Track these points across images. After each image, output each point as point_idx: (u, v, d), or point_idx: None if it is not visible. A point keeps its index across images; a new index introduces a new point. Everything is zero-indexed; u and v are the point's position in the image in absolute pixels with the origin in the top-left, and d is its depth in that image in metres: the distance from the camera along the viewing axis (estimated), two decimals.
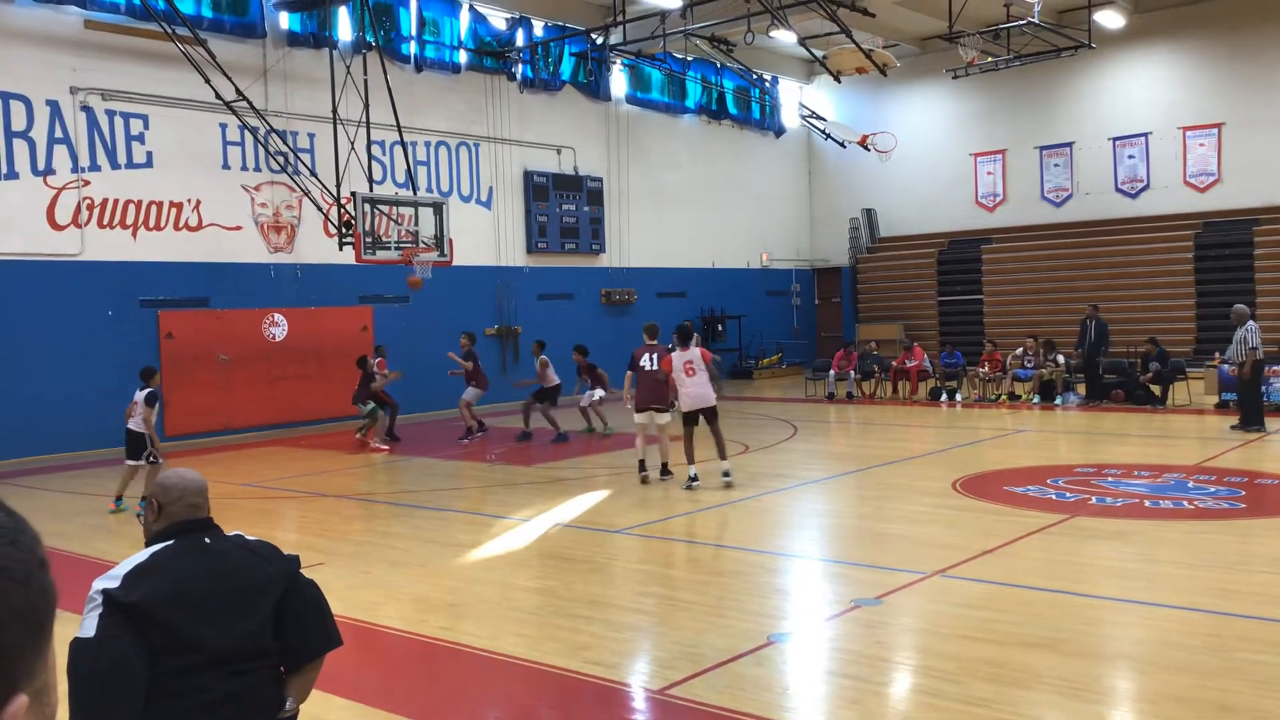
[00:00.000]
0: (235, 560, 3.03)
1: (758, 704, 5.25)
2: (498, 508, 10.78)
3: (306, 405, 18.28)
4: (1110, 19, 23.19)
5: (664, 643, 6.35)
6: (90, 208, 16.07)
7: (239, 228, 17.73)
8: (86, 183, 16.02)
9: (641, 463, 11.90)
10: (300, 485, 12.67)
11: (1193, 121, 23.87)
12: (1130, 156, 24.84)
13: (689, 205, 26.03)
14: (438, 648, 6.33)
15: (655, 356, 11.76)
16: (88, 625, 2.75)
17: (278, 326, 17.99)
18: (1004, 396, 19.65)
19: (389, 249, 16.35)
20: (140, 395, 11.29)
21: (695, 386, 11.46)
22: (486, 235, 21.64)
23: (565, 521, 10.02)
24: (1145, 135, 24.50)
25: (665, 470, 11.93)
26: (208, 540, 3.04)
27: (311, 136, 18.19)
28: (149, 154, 16.70)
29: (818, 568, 8.48)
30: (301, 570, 3.16)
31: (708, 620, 6.67)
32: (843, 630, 6.57)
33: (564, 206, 23.04)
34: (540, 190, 22.56)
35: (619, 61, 23.09)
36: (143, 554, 2.95)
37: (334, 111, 16.27)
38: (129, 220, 16.49)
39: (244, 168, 17.81)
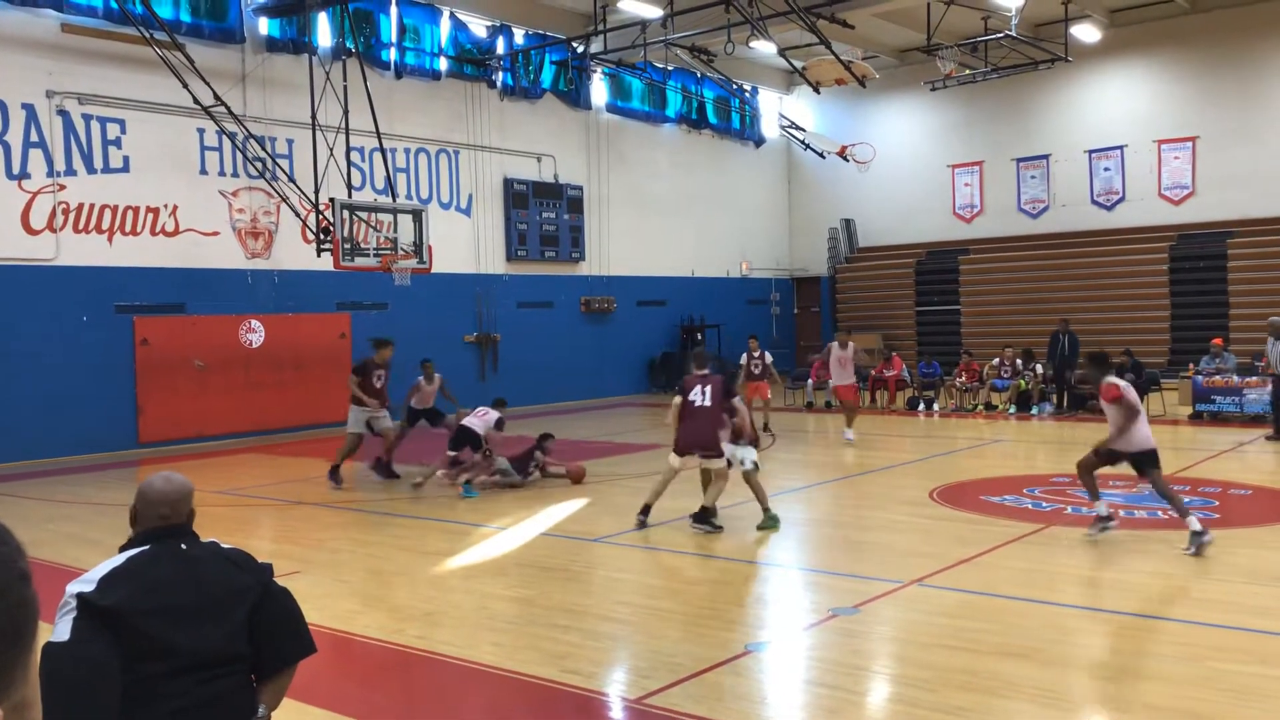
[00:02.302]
0: (210, 567, 3.02)
1: (735, 713, 5.25)
2: (475, 516, 10.74)
3: (283, 412, 18.16)
4: (1086, 33, 23.42)
5: (642, 652, 6.34)
6: (66, 212, 15.94)
7: (216, 233, 17.62)
8: (62, 187, 15.89)
9: (647, 507, 9.90)
10: (276, 493, 12.58)
11: (1168, 135, 24.12)
12: (1106, 169, 25.07)
13: (669, 214, 26.07)
14: (414, 657, 6.30)
15: (708, 389, 9.78)
16: (61, 629, 2.73)
17: (254, 333, 17.88)
18: (981, 407, 19.76)
19: (367, 255, 16.28)
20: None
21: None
22: (466, 243, 21.59)
23: (544, 530, 9.99)
24: (1121, 148, 24.74)
25: (705, 517, 9.60)
26: (184, 546, 3.03)
27: (290, 142, 18.11)
28: (126, 158, 16.58)
29: (796, 576, 8.49)
30: (275, 578, 3.15)
31: (686, 629, 6.66)
32: (820, 639, 6.58)
33: (544, 214, 23.02)
34: (520, 198, 22.54)
35: (599, 70, 23.12)
36: (118, 558, 2.94)
37: (313, 117, 16.20)
38: (105, 225, 16.36)
39: (222, 173, 17.71)
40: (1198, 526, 8.24)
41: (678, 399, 9.89)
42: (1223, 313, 22.44)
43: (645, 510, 9.85)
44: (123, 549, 3.01)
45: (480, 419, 12.30)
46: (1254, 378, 17.05)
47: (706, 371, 10.04)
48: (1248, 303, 22.11)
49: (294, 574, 8.00)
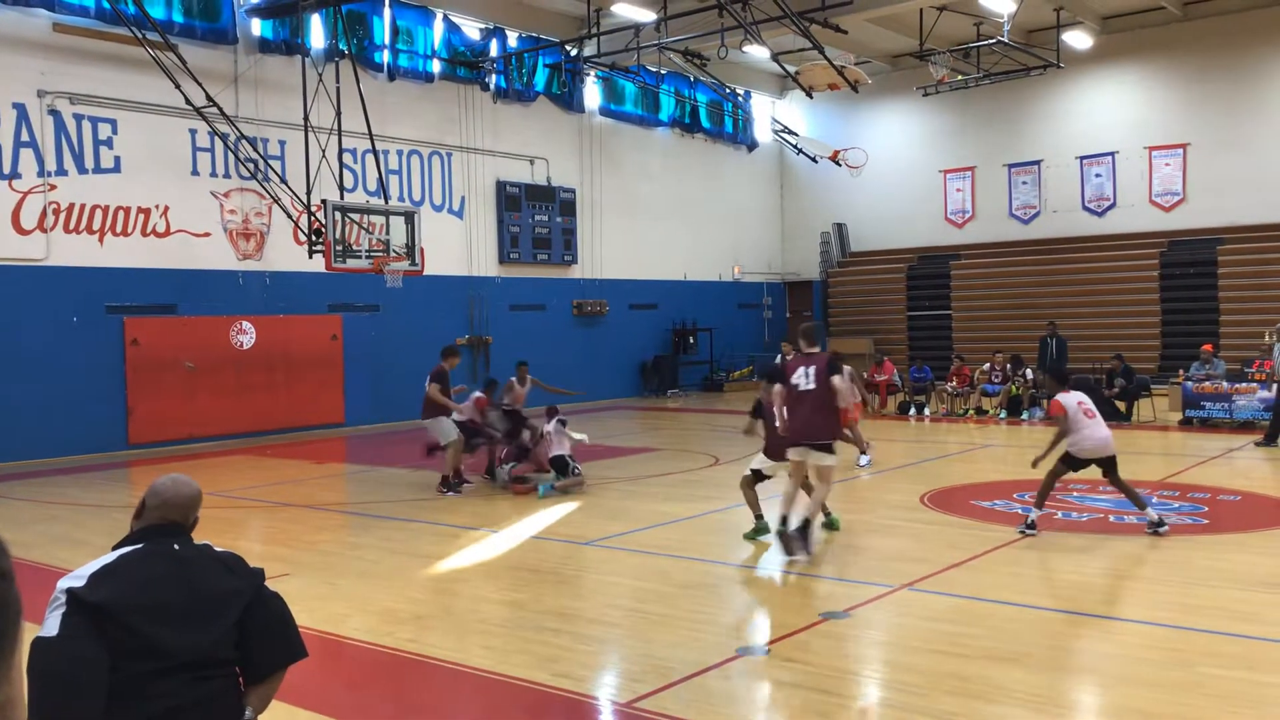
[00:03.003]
0: (201, 569, 3.01)
1: (725, 717, 5.25)
2: (467, 519, 10.72)
3: (274, 414, 18.12)
4: (1078, 39, 23.51)
5: (632, 655, 6.33)
6: (56, 212, 15.89)
7: (208, 234, 17.58)
8: (53, 187, 15.84)
9: (784, 518, 8.74)
10: (267, 495, 12.55)
11: (1159, 141, 24.22)
12: (1097, 175, 25.16)
13: (661, 217, 26.09)
14: (404, 660, 6.28)
15: (813, 370, 8.50)
16: (50, 624, 2.72)
17: (245, 334, 17.84)
18: (971, 411, 19.79)
19: (359, 257, 16.26)
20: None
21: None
22: (458, 245, 21.58)
23: (535, 533, 9.98)
24: (1112, 154, 24.83)
25: (807, 533, 8.40)
26: (176, 546, 3.03)
27: (282, 144, 18.08)
28: (117, 159, 16.54)
29: (786, 580, 8.49)
30: (266, 583, 3.15)
31: (676, 633, 6.66)
32: (811, 643, 6.58)
33: (536, 217, 23.02)
34: (513, 201, 22.53)
35: (593, 73, 23.13)
36: (109, 556, 2.94)
37: (305, 119, 16.18)
38: (96, 225, 16.32)
39: (214, 174, 17.67)
40: (1154, 517, 9.02)
41: (778, 386, 8.52)
42: (1213, 319, 22.53)
43: (784, 521, 8.66)
44: (117, 546, 3.00)
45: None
46: (1244, 384, 17.13)
47: (816, 350, 8.72)
48: (1238, 309, 22.20)
49: (284, 576, 7.98)
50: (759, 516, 9.41)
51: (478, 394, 12.92)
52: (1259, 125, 22.99)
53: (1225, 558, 8.42)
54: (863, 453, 13.41)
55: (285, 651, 3.12)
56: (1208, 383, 17.44)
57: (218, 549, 3.12)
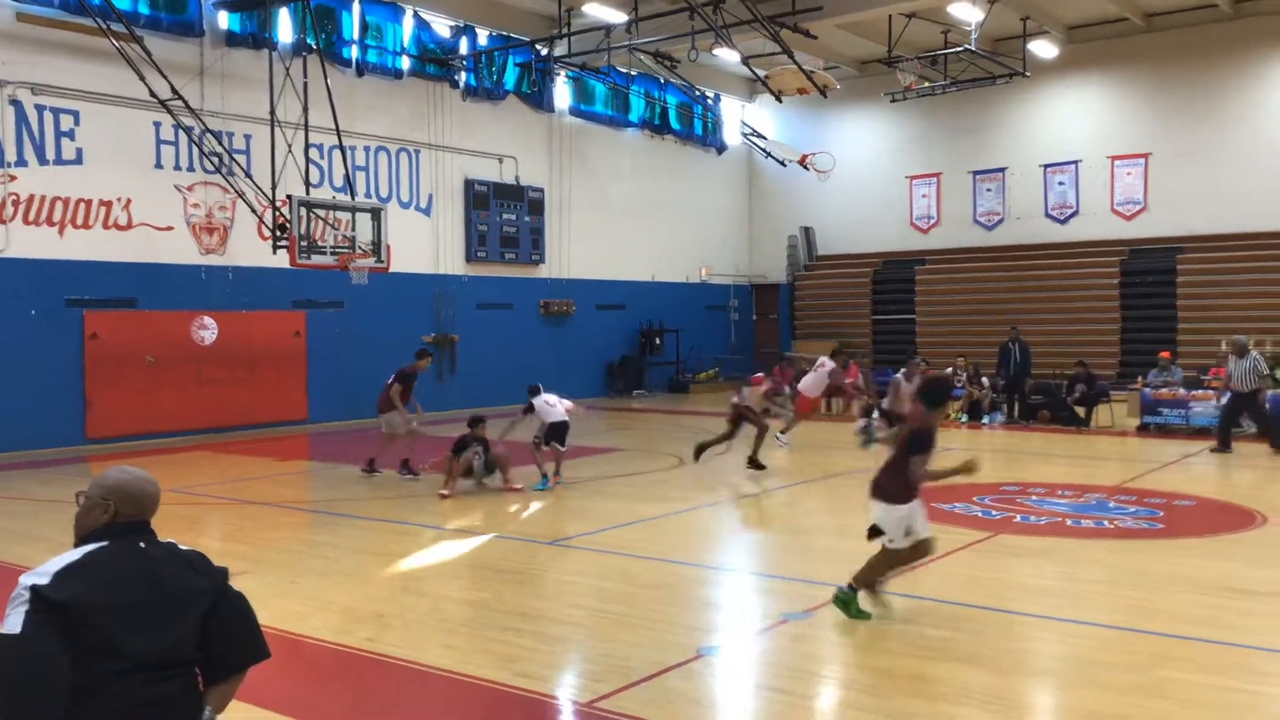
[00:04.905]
0: (167, 567, 2.99)
1: (686, 717, 5.26)
2: (430, 518, 10.67)
3: (235, 410, 17.93)
4: (1044, 49, 23.78)
5: (594, 655, 6.33)
6: (16, 204, 15.64)
7: (170, 228, 17.38)
8: (13, 178, 15.59)
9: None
10: (227, 491, 12.43)
11: (1121, 151, 24.55)
12: (1060, 183, 25.47)
13: (630, 218, 26.11)
14: (364, 659, 6.25)
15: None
16: (12, 621, 2.69)
17: (207, 329, 17.64)
18: None
19: (325, 254, 16.13)
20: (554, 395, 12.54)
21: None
22: (425, 243, 21.48)
23: (499, 533, 9.96)
24: (1075, 163, 25.14)
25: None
26: (142, 545, 3.00)
27: (248, 138, 17.90)
28: (79, 150, 16.31)
29: (748, 581, 8.53)
30: (230, 583, 3.13)
31: (638, 633, 6.67)
32: (771, 643, 6.62)
33: (504, 216, 22.96)
34: (481, 199, 22.46)
35: (563, 73, 23.10)
36: (75, 553, 2.90)
37: (272, 113, 16.04)
38: (56, 217, 16.08)
39: (177, 167, 17.48)
40: None
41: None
42: (1171, 327, 22.87)
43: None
44: (80, 543, 2.97)
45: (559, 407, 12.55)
46: (1200, 391, 17.40)
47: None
48: (1195, 317, 22.55)
49: (243, 574, 7.90)
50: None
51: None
52: (1219, 137, 23.36)
53: (1180, 562, 8.55)
54: (784, 431, 14.40)
55: (248, 652, 3.09)
56: (1165, 389, 17.70)
57: (182, 547, 3.09)
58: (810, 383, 16.29)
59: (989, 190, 26.44)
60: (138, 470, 3.15)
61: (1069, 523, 10.06)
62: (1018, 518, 10.28)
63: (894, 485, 6.81)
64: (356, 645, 6.46)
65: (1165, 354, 19.21)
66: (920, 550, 6.90)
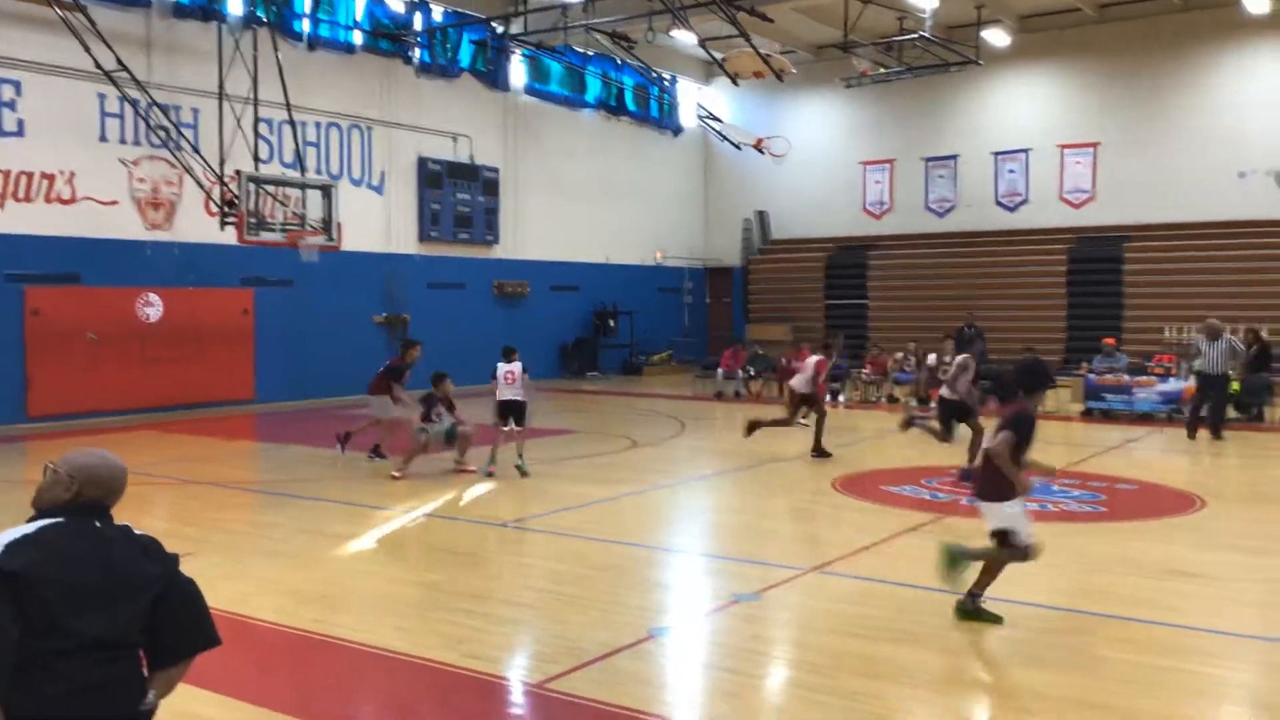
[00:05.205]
0: (121, 550, 2.97)
1: (636, 697, 5.28)
2: (381, 499, 10.59)
3: (181, 389, 17.63)
4: (997, 37, 24.00)
5: (545, 636, 6.33)
6: None
7: (115, 202, 17.02)
8: None
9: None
10: (173, 471, 12.23)
11: (1070, 140, 24.88)
12: (1011, 171, 25.77)
13: (585, 200, 26.01)
14: (312, 641, 6.19)
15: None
16: None
17: (153, 306, 17.32)
18: (884, 399, 20.17)
19: (274, 231, 15.90)
20: (517, 366, 12.17)
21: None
22: (377, 221, 21.24)
23: (450, 514, 9.90)
24: (1026, 151, 25.45)
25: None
26: (98, 525, 2.97)
27: (196, 111, 17.55)
28: (20, 122, 15.90)
29: (699, 563, 8.57)
30: (180, 568, 3.11)
31: (589, 614, 6.67)
32: (721, 624, 6.66)
33: (458, 195, 22.77)
34: (434, 178, 22.24)
35: (519, 52, 22.91)
36: (30, 526, 2.88)
37: (220, 87, 15.75)
38: None
39: (123, 141, 17.10)
40: None
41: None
42: (1117, 314, 23.26)
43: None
44: (37, 516, 2.94)
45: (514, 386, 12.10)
46: (1143, 377, 17.74)
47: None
48: (1141, 304, 22.97)
49: (188, 555, 7.77)
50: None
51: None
52: (1167, 128, 23.75)
53: (1122, 545, 8.72)
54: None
55: (197, 639, 3.08)
56: (1109, 375, 18.02)
57: (136, 531, 3.06)
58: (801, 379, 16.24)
59: (941, 177, 26.68)
60: (111, 457, 3.12)
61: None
62: (965, 500, 10.38)
63: (997, 481, 6.37)
64: (304, 627, 6.40)
65: (1110, 340, 19.54)
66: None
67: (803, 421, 14.02)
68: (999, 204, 25.94)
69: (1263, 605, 7.16)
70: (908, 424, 13.16)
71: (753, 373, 21.78)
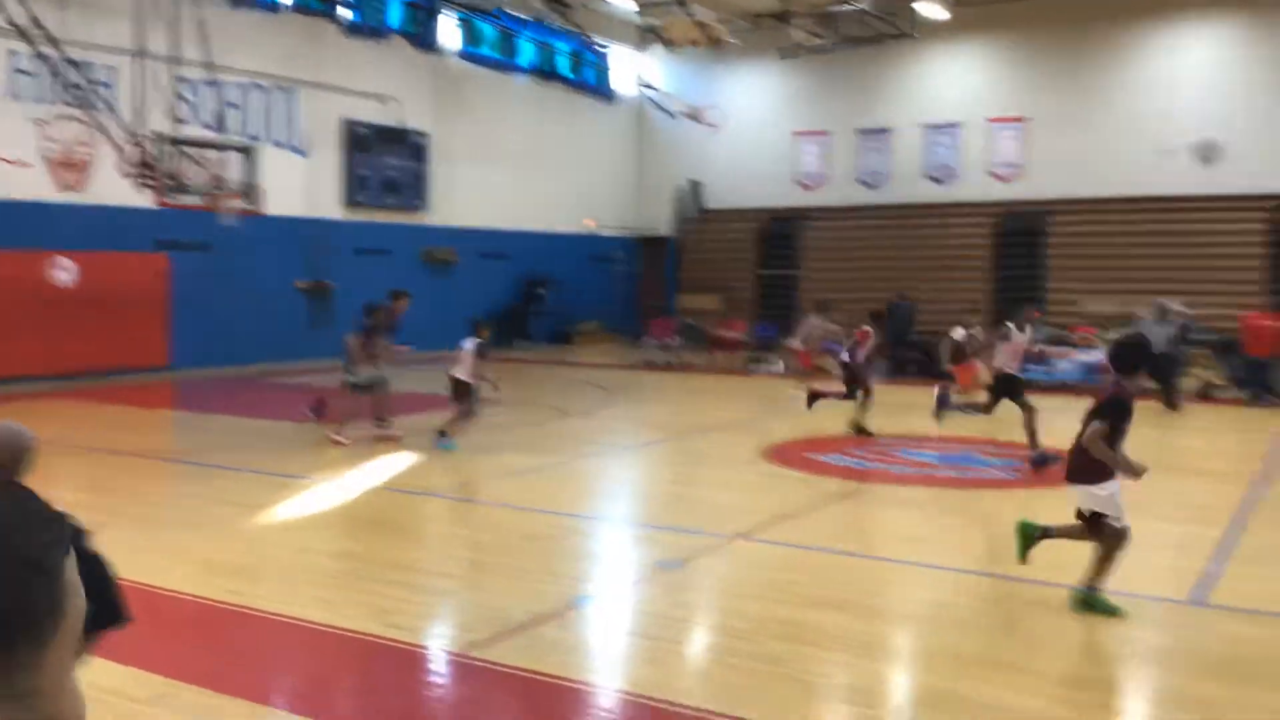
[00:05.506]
0: (20, 521, 2.83)
1: (558, 665, 5.26)
2: (302, 468, 10.39)
3: (93, 356, 17.05)
4: (932, 10, 24.12)
5: (468, 606, 6.28)
6: None
7: (25, 163, 16.37)
8: None
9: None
10: (85, 440, 11.86)
11: (1000, 114, 25.20)
12: (941, 144, 26.03)
13: (516, 167, 25.70)
14: (228, 612, 6.06)
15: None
16: None
17: (64, 270, 16.75)
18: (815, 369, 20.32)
19: (192, 193, 15.45)
20: (470, 345, 11.76)
21: None
22: (301, 185, 20.72)
23: (373, 484, 9.76)
24: (956, 125, 25.72)
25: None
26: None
27: (111, 69, 16.93)
28: None
29: (625, 531, 8.57)
30: (89, 540, 2.98)
31: (513, 583, 6.63)
32: (645, 592, 6.67)
33: (386, 160, 22.34)
34: (362, 141, 21.79)
35: (451, 14, 22.47)
36: None
37: (138, 44, 15.20)
38: None
39: (35, 99, 16.45)
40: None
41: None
42: (1041, 286, 23.70)
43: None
44: None
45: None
46: (1061, 348, 18.17)
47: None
48: (1065, 277, 23.43)
49: (100, 525, 7.55)
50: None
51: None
52: (1095, 104, 24.14)
53: (1037, 511, 8.88)
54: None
55: (105, 615, 2.96)
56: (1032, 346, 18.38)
57: (40, 500, 2.93)
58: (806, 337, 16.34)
59: (873, 150, 26.86)
60: (14, 424, 3.01)
61: (937, 473, 10.38)
62: (889, 468, 10.55)
63: (1088, 461, 6.03)
64: (220, 598, 6.26)
65: (1037, 314, 19.87)
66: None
67: (795, 392, 14.23)
68: (929, 177, 26.21)
69: (1168, 569, 7.36)
70: (811, 399, 13.41)
71: (681, 342, 21.83)
